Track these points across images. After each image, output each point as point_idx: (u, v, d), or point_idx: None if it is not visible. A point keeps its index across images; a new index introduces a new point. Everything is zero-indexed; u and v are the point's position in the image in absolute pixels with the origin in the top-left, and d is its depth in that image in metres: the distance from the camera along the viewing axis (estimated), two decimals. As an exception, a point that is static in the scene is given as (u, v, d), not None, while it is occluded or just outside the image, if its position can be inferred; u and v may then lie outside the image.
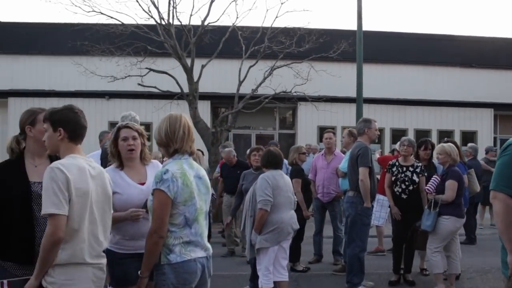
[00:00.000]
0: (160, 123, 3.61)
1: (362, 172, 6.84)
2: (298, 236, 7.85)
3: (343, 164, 8.14)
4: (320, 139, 14.43)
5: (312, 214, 8.74)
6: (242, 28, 15.51)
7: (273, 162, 6.20)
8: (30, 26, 19.29)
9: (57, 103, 18.62)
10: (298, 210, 7.18)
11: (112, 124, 16.71)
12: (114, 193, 3.72)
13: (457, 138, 18.38)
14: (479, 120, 19.66)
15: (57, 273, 3.05)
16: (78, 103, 15.84)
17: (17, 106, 18.44)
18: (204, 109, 18.07)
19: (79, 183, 3.08)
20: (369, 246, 7.96)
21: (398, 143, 8.19)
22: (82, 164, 3.19)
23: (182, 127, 3.57)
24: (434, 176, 7.28)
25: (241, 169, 8.78)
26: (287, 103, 17.22)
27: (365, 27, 14.00)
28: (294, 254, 8.12)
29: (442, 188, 6.91)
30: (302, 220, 7.75)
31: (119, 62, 15.08)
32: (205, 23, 14.90)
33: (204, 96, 17.77)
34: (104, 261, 3.31)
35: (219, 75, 17.58)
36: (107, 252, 3.68)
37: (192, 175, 3.56)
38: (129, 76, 14.78)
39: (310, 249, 9.10)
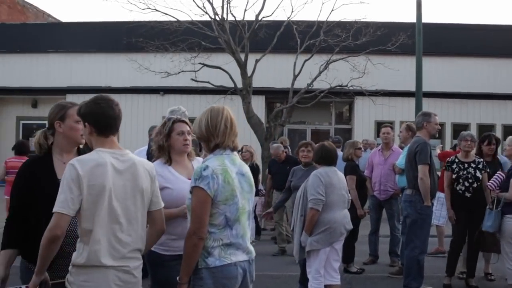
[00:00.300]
0: (201, 116, 3.37)
1: (421, 170, 6.40)
2: (352, 236, 7.50)
3: (400, 160, 7.72)
4: (378, 134, 13.96)
5: (368, 212, 8.36)
6: (297, 22, 15.23)
7: (326, 158, 5.83)
8: (88, 25, 19.66)
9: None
10: (352, 208, 6.88)
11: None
12: (164, 188, 3.57)
13: (524, 133, 17.42)
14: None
15: (76, 274, 2.89)
16: (133, 99, 16.45)
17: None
18: (259, 104, 17.92)
19: (93, 179, 2.86)
20: (429, 247, 7.53)
21: (459, 138, 7.69)
22: (104, 159, 2.95)
23: (224, 120, 3.32)
24: (498, 172, 6.77)
25: (290, 165, 8.53)
26: (343, 98, 16.84)
27: (425, 19, 13.42)
28: (348, 254, 7.76)
29: (507, 185, 6.36)
30: (356, 219, 7.43)
31: (173, 58, 15.14)
32: (259, 18, 14.70)
33: (259, 91, 17.68)
34: (133, 263, 3.03)
35: (274, 70, 17.35)
36: (151, 253, 3.52)
37: (234, 171, 3.30)
38: (182, 71, 14.75)
39: (365, 249, 8.72)
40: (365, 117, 18.24)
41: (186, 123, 4.02)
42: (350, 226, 5.86)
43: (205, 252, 3.14)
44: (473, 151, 7.37)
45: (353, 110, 18.70)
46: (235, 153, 3.46)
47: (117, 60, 18.50)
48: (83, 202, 2.84)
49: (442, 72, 17.97)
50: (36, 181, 3.21)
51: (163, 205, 3.25)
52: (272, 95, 18.50)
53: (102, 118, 3.02)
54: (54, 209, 2.81)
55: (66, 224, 2.82)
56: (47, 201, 2.95)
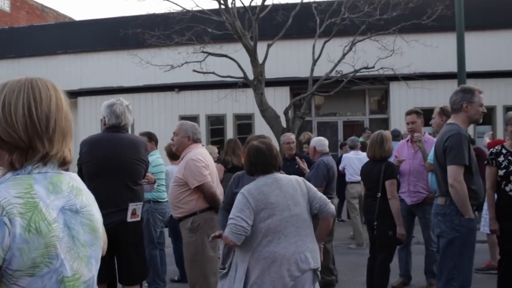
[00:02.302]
0: None
1: (453, 172, 4.45)
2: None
3: (432, 153, 5.83)
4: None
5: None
6: (315, 2, 13.45)
7: (258, 164, 3.80)
8: (93, 23, 18.46)
9: (125, 99, 17.90)
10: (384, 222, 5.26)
11: (183, 118, 15.42)
12: None
13: None
14: None
15: None
16: (147, 98, 15.10)
17: (86, 105, 17.72)
18: (282, 96, 16.27)
19: None
20: (479, 260, 5.59)
21: (505, 119, 5.75)
22: None
23: (27, 104, 1.70)
24: None
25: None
26: (377, 84, 14.92)
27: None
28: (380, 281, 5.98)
29: None
30: (395, 240, 5.82)
31: (179, 50, 13.64)
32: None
33: (282, 82, 16.21)
34: None
35: (298, 57, 15.61)
36: None
37: (56, 207, 1.68)
38: (186, 63, 13.14)
39: (394, 268, 6.83)
40: (402, 104, 16.11)
41: None
42: (310, 264, 3.67)
43: None
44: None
45: (389, 97, 16.69)
46: (69, 173, 1.83)
47: (127, 57, 17.17)
48: None
49: (488, 49, 15.78)
50: None
51: None
52: (298, 85, 16.69)
53: None
54: None
55: None
56: None
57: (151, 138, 6.85)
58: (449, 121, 4.75)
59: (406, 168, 6.57)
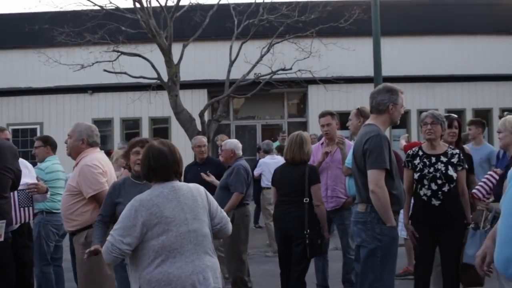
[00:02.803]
0: None
1: (374, 177, 4.14)
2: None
3: (350, 157, 5.56)
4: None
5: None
6: (233, 3, 13.13)
7: (158, 170, 3.28)
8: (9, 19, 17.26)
9: (35, 101, 17.12)
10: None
11: (96, 121, 14.68)
12: None
13: (496, 117, 15.60)
14: (521, 95, 16.89)
15: None
16: (58, 100, 14.16)
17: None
18: (200, 99, 15.82)
19: None
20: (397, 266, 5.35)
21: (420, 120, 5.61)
22: None
23: None
24: (490, 171, 4.64)
25: (212, 169, 6.90)
26: (295, 87, 14.79)
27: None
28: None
29: (500, 190, 4.24)
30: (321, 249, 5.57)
31: (90, 49, 12.89)
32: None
33: (199, 84, 15.83)
34: None
35: (216, 59, 15.19)
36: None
37: None
38: (97, 62, 12.42)
39: (310, 278, 6.52)
40: (320, 107, 15.95)
41: None
42: (210, 286, 3.21)
43: None
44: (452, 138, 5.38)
45: (307, 100, 16.63)
46: None
47: (36, 57, 16.15)
48: None
49: (404, 54, 16.19)
50: None
51: None
52: (215, 88, 16.29)
53: None
54: None
55: None
56: None
57: (46, 142, 6.17)
58: (368, 121, 4.47)
59: (323, 173, 6.27)
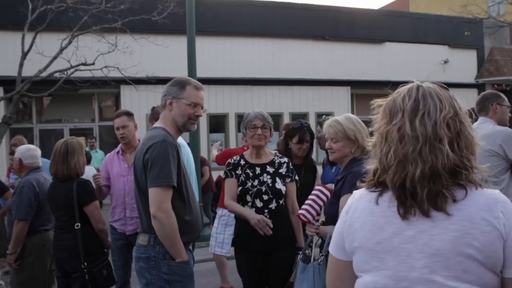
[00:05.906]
0: None
1: (155, 198, 3.06)
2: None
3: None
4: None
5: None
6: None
7: None
8: None
9: None
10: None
11: None
12: None
13: (312, 121, 15.61)
14: (335, 100, 17.24)
15: None
16: None
17: None
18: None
19: None
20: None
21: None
22: None
23: None
24: (317, 186, 3.73)
25: None
26: (106, 87, 13.30)
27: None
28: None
29: (336, 210, 3.16)
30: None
31: None
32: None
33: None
34: None
35: (5, 52, 13.04)
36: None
37: None
38: None
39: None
40: (134, 109, 14.70)
41: None
42: None
43: None
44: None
45: (120, 102, 15.17)
46: None
47: None
48: None
49: (220, 55, 15.57)
50: None
51: None
52: (11, 86, 14.11)
53: None
54: None
55: None
56: None
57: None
58: (156, 124, 3.34)
59: (119, 188, 4.99)
